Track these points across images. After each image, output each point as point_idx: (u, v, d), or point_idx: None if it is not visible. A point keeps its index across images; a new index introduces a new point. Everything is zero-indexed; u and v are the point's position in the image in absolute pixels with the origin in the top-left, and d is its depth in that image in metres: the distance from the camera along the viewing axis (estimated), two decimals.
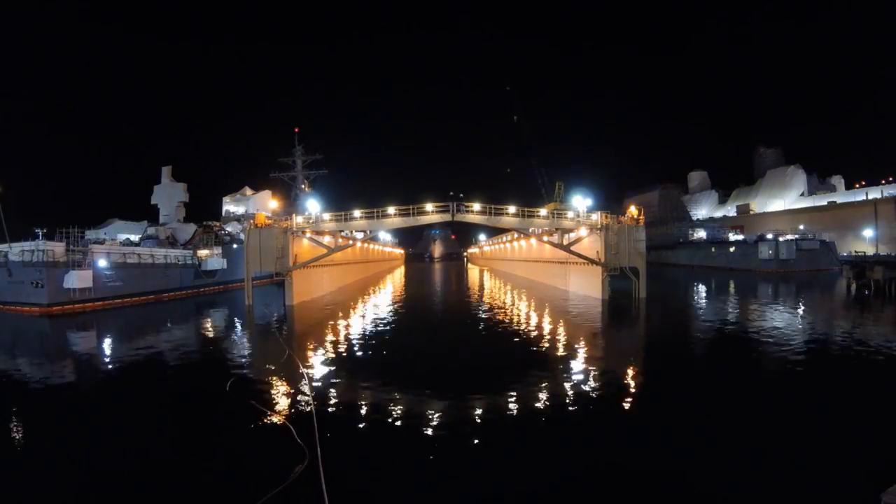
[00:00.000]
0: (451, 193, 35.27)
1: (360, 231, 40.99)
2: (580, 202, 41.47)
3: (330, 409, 12.20)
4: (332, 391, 13.84)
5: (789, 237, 74.27)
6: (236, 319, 30.98)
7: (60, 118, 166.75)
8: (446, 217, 35.00)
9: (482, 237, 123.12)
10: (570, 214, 37.44)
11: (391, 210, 35.49)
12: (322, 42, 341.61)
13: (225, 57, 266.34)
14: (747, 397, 13.16)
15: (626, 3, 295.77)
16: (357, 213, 36.05)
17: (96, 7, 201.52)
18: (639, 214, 36.81)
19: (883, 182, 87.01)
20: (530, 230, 39.96)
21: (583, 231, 37.78)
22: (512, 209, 35.42)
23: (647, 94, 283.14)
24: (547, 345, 21.03)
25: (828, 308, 34.00)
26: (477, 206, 34.83)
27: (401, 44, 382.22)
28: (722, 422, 11.18)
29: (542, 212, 35.65)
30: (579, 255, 37.04)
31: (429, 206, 34.70)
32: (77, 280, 31.97)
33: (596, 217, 36.36)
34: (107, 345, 23.05)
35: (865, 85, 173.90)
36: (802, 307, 33.62)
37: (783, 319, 27.25)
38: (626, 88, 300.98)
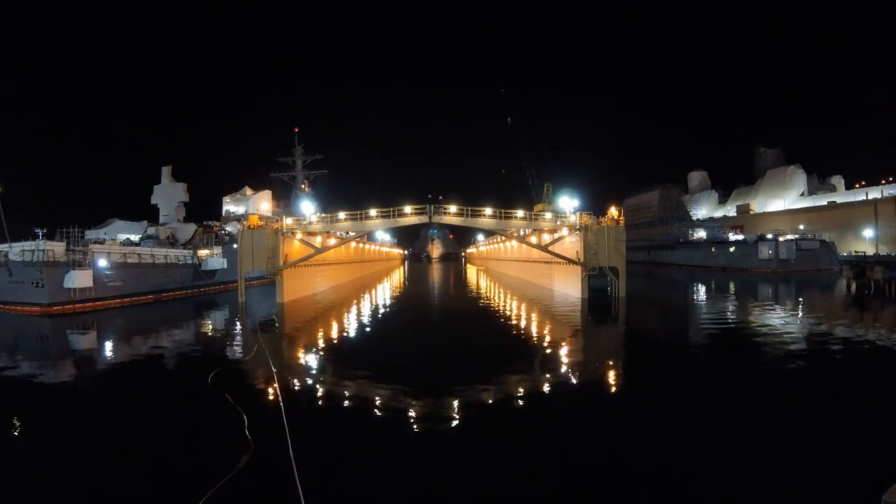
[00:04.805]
0: (430, 196, 35.83)
1: (343, 231, 41.91)
2: (566, 203, 42.34)
3: (292, 401, 12.57)
4: (297, 384, 14.61)
5: (789, 237, 74.06)
6: (228, 318, 32.07)
7: (60, 118, 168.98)
8: (424, 219, 35.82)
9: (480, 237, 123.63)
10: (548, 216, 38.27)
11: (372, 212, 36.59)
12: (323, 43, 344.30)
13: (225, 57, 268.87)
14: (743, 397, 13.02)
15: (626, 4, 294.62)
16: (342, 214, 37.31)
17: (97, 8, 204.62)
18: (619, 215, 37.50)
19: (883, 182, 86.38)
20: (509, 231, 40.77)
21: (565, 231, 38.60)
22: (488, 210, 36.06)
23: (648, 94, 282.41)
24: (520, 341, 21.95)
25: (827, 308, 33.93)
26: (453, 209, 35.59)
27: (402, 46, 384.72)
28: (720, 421, 11.14)
29: (519, 213, 36.40)
30: (558, 256, 37.80)
31: (407, 209, 35.53)
32: (77, 280, 32.12)
33: (574, 218, 37.09)
34: (106, 344, 23.48)
35: (865, 85, 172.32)
36: (801, 307, 33.72)
37: (780, 319, 27.21)
38: (626, 88, 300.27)
